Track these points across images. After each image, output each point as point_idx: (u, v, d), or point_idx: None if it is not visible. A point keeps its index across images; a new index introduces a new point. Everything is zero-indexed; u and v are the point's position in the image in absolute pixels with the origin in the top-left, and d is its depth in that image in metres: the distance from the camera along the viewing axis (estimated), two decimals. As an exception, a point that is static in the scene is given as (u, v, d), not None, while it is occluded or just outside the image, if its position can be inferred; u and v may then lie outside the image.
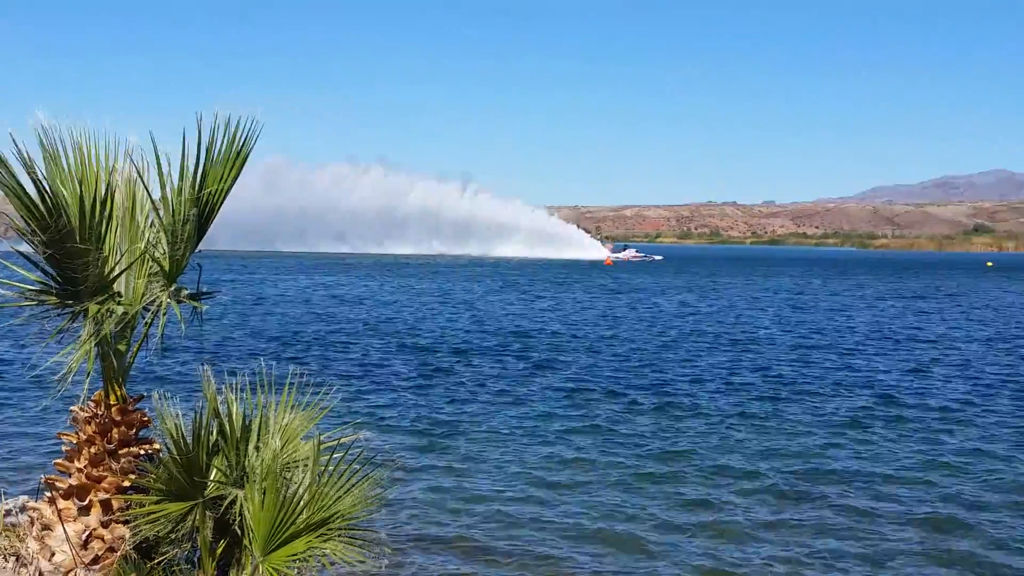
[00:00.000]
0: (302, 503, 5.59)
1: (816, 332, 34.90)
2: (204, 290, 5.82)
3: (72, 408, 5.77)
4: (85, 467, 5.64)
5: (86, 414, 5.69)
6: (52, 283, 5.39)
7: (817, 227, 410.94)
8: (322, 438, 5.84)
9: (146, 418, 5.85)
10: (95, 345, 5.44)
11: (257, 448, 5.85)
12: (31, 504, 5.88)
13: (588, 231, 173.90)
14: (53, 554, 5.54)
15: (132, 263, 5.57)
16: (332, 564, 5.55)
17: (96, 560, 5.54)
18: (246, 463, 5.79)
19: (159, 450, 5.81)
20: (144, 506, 5.53)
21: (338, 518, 5.66)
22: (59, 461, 5.76)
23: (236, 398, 5.90)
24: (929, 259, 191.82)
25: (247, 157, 5.74)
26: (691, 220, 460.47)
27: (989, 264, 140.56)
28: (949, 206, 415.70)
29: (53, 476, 5.75)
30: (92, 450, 5.65)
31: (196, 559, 5.70)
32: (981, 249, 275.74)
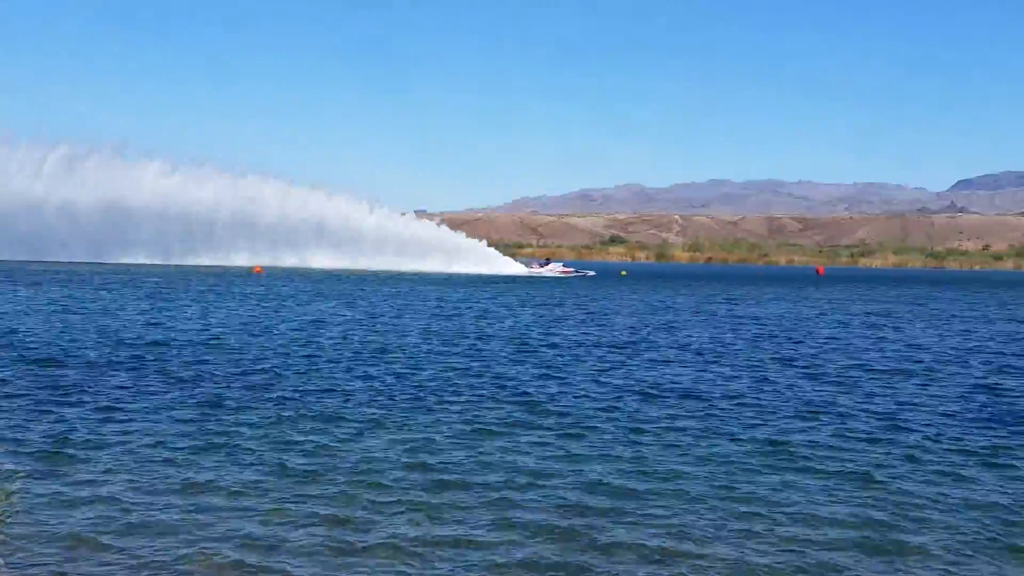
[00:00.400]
0: None
1: (462, 337, 35.81)
2: None
3: None
4: None
5: None
6: None
7: (467, 236, 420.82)
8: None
9: None
10: None
11: None
12: None
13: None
14: None
15: None
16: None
17: None
18: None
19: None
20: None
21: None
22: None
23: None
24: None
25: None
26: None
27: (623, 273, 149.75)
28: (588, 217, 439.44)
29: None
30: None
31: None
32: (616, 258, 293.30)
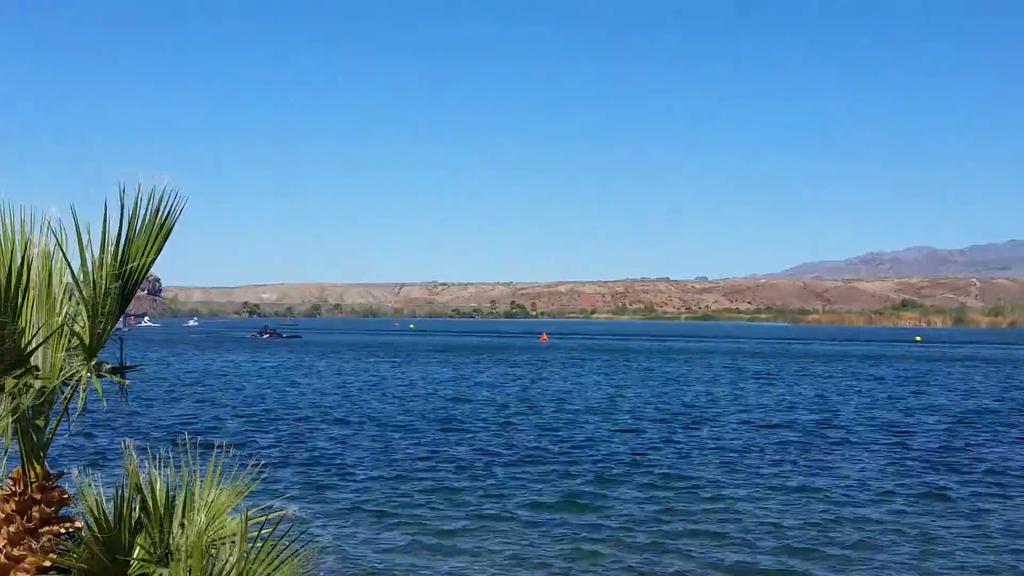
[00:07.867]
0: (229, 581, 5.42)
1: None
2: (128, 364, 5.67)
3: (-11, 486, 5.48)
4: (4, 547, 5.45)
5: (4, 492, 5.52)
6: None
7: (749, 302, 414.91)
8: (249, 513, 5.69)
9: (66, 495, 5.67)
10: (13, 421, 5.27)
11: (182, 525, 5.69)
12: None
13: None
14: (-32, 638, 5.29)
15: (49, 336, 5.42)
16: (260, 643, 5.34)
17: (14, 644, 5.31)
18: (170, 540, 5.62)
19: (80, 528, 5.63)
20: (65, 586, 5.32)
21: (267, 596, 5.50)
22: (-23, 540, 5.52)
23: (159, 473, 5.74)
24: (864, 333, 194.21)
25: (171, 229, 5.62)
26: (625, 296, 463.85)
27: (917, 339, 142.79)
28: (875, 281, 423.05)
29: (-30, 557, 5.50)
30: (11, 529, 5.46)
31: (117, 641, 5.40)
32: (909, 323, 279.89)
